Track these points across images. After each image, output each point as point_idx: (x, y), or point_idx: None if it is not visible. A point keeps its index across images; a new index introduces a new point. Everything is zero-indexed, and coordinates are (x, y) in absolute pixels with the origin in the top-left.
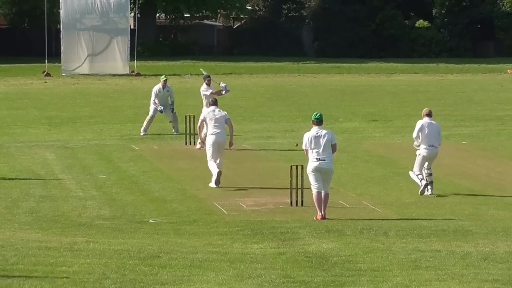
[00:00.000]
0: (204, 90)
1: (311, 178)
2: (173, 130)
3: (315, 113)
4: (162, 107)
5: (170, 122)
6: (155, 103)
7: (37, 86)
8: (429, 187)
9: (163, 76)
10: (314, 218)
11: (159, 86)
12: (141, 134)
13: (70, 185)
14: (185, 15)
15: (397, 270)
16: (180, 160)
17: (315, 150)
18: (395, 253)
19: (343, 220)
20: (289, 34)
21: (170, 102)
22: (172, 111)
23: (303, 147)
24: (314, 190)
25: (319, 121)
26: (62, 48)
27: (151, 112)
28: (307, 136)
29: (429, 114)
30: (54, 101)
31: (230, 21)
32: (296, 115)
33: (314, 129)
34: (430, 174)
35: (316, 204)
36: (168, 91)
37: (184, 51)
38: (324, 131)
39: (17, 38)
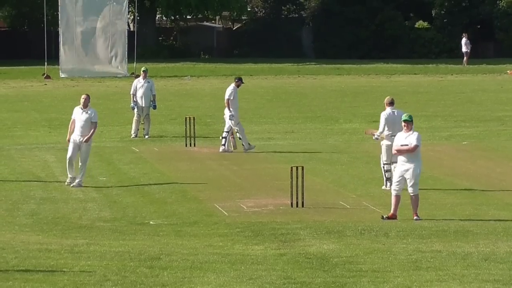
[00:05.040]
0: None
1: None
2: (143, 133)
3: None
4: (134, 104)
5: (142, 123)
6: (133, 95)
7: (37, 89)
8: (388, 183)
9: (144, 67)
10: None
11: (139, 78)
12: (132, 136)
13: (71, 187)
14: (185, 17)
15: (398, 271)
16: (180, 162)
17: None
18: (396, 254)
19: (343, 221)
20: (288, 36)
21: (151, 98)
22: (155, 108)
23: None
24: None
25: (405, 122)
26: (61, 50)
27: (135, 117)
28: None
29: (391, 103)
30: (54, 104)
31: (229, 22)
32: (296, 117)
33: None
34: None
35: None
36: (149, 82)
37: (184, 53)
38: (411, 134)
39: (17, 40)
